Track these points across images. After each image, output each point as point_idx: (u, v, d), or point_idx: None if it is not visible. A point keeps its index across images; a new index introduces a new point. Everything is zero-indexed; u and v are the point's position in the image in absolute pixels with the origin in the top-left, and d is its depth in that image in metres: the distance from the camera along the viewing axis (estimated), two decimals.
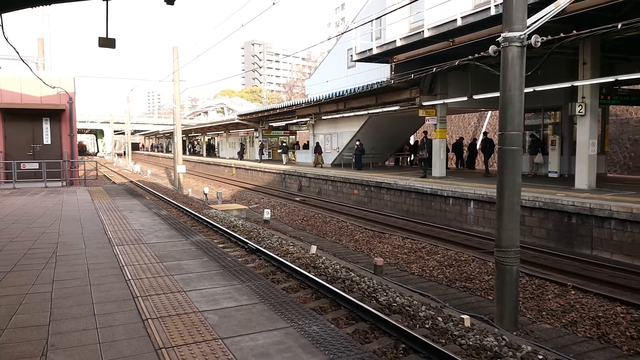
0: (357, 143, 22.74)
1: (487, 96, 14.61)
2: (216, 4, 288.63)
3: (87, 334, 3.91)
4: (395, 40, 16.28)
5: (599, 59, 12.70)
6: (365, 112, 21.67)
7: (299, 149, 34.35)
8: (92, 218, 10.05)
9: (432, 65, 13.94)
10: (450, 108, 18.22)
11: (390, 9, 15.60)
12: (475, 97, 15.28)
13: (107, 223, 9.38)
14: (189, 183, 30.23)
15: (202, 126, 47.36)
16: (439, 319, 5.42)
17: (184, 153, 47.05)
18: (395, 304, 5.88)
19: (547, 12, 6.05)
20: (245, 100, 71.22)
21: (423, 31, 14.53)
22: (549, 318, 6.83)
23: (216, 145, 50.31)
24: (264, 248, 8.65)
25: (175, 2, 6.96)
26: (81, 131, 74.73)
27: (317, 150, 26.41)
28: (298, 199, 20.60)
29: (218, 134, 47.49)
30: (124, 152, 58.62)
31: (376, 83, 18.39)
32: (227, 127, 40.52)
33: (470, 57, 10.55)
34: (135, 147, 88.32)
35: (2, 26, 6.92)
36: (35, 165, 17.65)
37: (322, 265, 7.80)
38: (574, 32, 8.09)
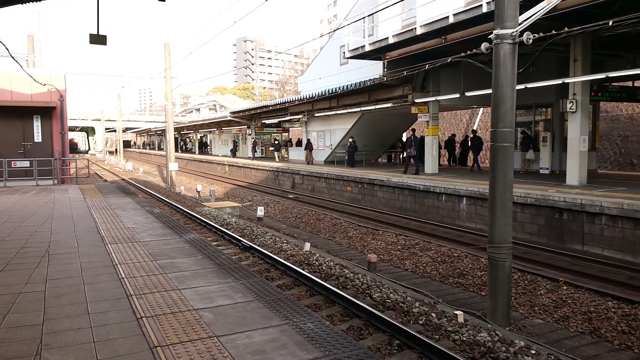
0: (350, 140, 22.74)
1: (479, 93, 14.70)
2: (208, 1, 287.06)
3: (82, 333, 3.89)
4: (387, 37, 16.31)
5: (590, 56, 12.80)
6: (358, 109, 21.68)
7: (291, 146, 34.29)
8: (84, 216, 9.99)
9: (424, 62, 13.97)
10: (442, 105, 18.27)
11: (382, 6, 15.60)
12: (468, 94, 15.38)
13: (100, 221, 9.33)
14: (182, 181, 30.09)
15: (194, 123, 47.13)
16: (433, 314, 5.46)
17: (176, 150, 46.83)
18: (389, 301, 5.91)
19: (539, 9, 6.09)
20: (237, 97, 71.05)
21: (415, 28, 14.55)
22: (541, 313, 6.91)
23: (208, 142, 50.08)
24: (258, 245, 8.65)
25: None
26: (72, 129, 73.99)
27: (308, 147, 26.40)
28: (291, 196, 20.60)
29: (210, 131, 47.26)
30: (116, 149, 58.21)
31: (369, 80, 18.39)
32: (219, 125, 40.34)
33: (462, 54, 10.61)
34: (127, 144, 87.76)
35: None
36: (26, 164, 17.50)
37: (316, 263, 7.81)
38: (565, 29, 8.17)
